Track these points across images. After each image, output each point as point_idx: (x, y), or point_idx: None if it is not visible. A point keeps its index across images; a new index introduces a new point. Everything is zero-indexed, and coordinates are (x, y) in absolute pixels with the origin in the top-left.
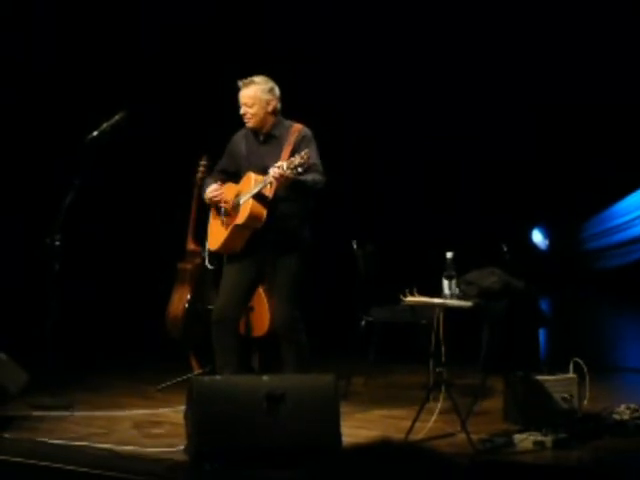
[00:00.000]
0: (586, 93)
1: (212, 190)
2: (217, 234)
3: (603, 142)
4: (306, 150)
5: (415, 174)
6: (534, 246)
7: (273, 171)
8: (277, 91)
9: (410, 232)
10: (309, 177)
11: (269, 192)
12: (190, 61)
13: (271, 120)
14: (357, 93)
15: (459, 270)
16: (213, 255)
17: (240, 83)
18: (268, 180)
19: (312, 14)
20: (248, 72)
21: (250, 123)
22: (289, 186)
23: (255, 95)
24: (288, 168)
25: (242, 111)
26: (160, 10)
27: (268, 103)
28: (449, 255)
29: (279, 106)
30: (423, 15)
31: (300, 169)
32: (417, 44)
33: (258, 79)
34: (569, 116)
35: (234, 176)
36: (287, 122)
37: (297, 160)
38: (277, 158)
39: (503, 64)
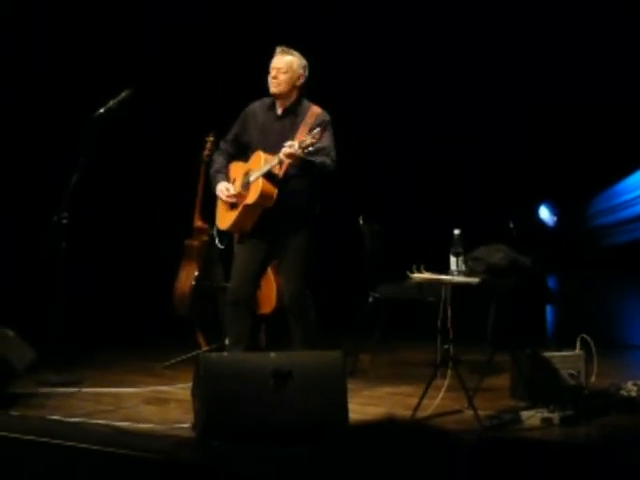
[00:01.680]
0: (586, 93)
1: (223, 190)
2: (226, 213)
3: (606, 141)
4: (317, 129)
5: (423, 152)
6: (541, 223)
7: (284, 150)
8: (307, 71)
9: (417, 208)
10: (318, 159)
11: (279, 171)
12: (197, 39)
13: (295, 95)
14: (357, 93)
15: (466, 247)
16: (222, 233)
17: (279, 49)
18: (278, 159)
19: (312, 14)
20: (251, 59)
21: (276, 88)
22: (297, 166)
23: (291, 65)
24: (299, 147)
25: (273, 74)
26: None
27: (299, 77)
28: (456, 232)
29: (304, 86)
30: (423, 15)
31: (311, 148)
32: (417, 44)
33: (296, 53)
34: (570, 112)
35: (245, 147)
36: (307, 103)
37: (308, 140)
38: (292, 136)
39: (503, 64)
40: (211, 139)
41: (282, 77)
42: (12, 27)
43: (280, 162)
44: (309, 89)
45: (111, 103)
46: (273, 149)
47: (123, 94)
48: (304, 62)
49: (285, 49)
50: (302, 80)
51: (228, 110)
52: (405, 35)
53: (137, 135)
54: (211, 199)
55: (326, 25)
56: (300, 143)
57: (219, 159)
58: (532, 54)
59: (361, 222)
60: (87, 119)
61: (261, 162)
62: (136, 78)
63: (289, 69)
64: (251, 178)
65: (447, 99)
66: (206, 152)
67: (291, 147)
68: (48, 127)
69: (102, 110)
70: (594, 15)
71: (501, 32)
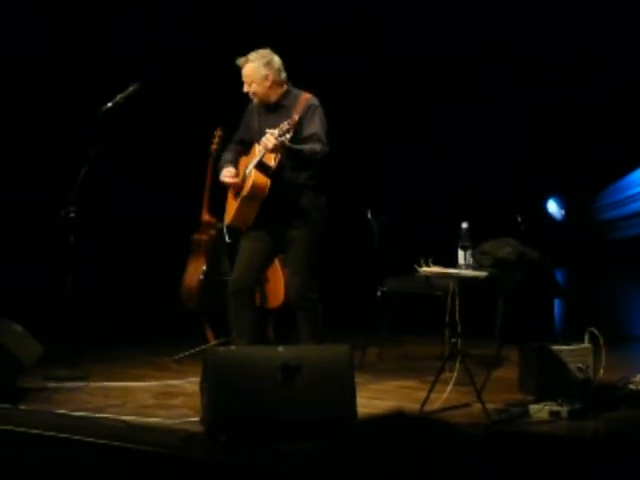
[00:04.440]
0: (594, 88)
1: (227, 175)
2: (231, 207)
3: (613, 135)
4: (293, 116)
5: (429, 143)
6: (549, 216)
7: (264, 138)
8: (276, 63)
9: (425, 202)
10: (306, 147)
11: (273, 162)
12: (205, 31)
13: (277, 91)
14: (358, 91)
15: (474, 241)
16: (231, 229)
17: (238, 62)
18: (262, 148)
19: (314, 8)
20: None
21: (255, 98)
22: (287, 155)
23: (251, 73)
24: (280, 135)
25: (244, 89)
26: None
27: (266, 78)
28: (464, 225)
29: (282, 76)
30: (423, 14)
31: (288, 135)
32: (417, 43)
33: (252, 56)
34: (578, 104)
35: (251, 146)
36: (296, 91)
37: (285, 126)
38: None
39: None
40: (219, 133)
41: (252, 87)
42: (15, 24)
43: (274, 152)
44: (313, 81)
45: (118, 97)
46: None
47: (130, 88)
48: (265, 59)
49: (242, 60)
50: (272, 76)
51: (236, 104)
52: (405, 34)
53: (144, 129)
54: (219, 193)
55: (326, 24)
56: (279, 131)
57: (227, 155)
58: (533, 53)
59: (369, 216)
60: (95, 113)
61: (256, 153)
62: (143, 72)
63: (253, 78)
64: (247, 170)
65: (450, 95)
66: (214, 146)
67: (272, 134)
68: (53, 122)
69: (110, 104)
70: (594, 14)
71: (501, 32)
